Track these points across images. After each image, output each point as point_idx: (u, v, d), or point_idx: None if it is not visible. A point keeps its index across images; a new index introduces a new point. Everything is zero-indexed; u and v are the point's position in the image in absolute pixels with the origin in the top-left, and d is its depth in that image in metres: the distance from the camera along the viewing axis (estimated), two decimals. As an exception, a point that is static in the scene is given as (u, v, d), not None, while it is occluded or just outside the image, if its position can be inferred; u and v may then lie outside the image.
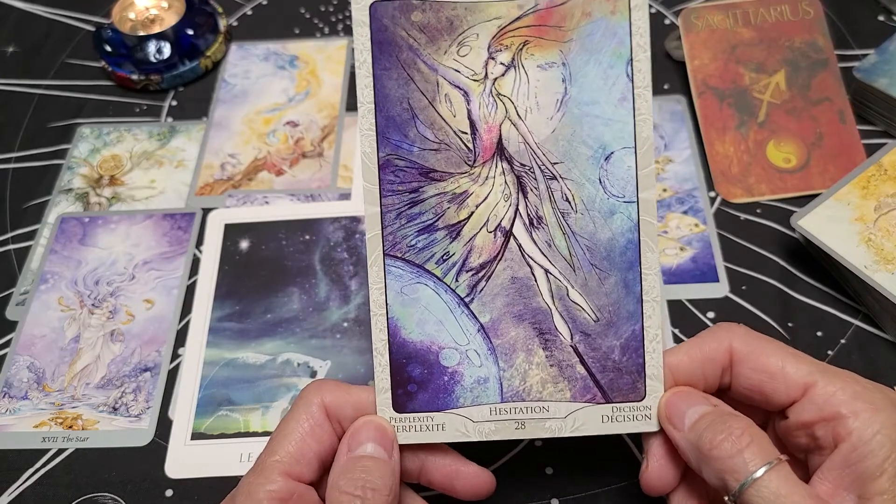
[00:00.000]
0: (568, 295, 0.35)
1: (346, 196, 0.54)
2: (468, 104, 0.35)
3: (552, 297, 0.35)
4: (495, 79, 0.35)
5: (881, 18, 0.61)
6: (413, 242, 0.35)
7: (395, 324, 0.35)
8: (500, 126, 0.35)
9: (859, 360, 0.45)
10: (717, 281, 0.49)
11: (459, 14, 0.35)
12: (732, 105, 0.54)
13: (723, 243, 0.50)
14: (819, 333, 0.46)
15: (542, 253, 0.35)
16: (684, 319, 0.47)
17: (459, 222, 0.35)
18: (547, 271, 0.35)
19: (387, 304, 0.35)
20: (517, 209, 0.35)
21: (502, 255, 0.35)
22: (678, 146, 0.55)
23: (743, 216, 0.51)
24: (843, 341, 0.46)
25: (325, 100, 0.60)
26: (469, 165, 0.35)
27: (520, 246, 0.35)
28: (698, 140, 0.54)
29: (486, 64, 0.35)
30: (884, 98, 0.52)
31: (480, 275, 0.35)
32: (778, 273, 0.49)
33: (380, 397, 0.34)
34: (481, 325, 0.35)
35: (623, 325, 0.35)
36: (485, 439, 0.34)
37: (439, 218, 0.35)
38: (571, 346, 0.35)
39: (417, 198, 0.35)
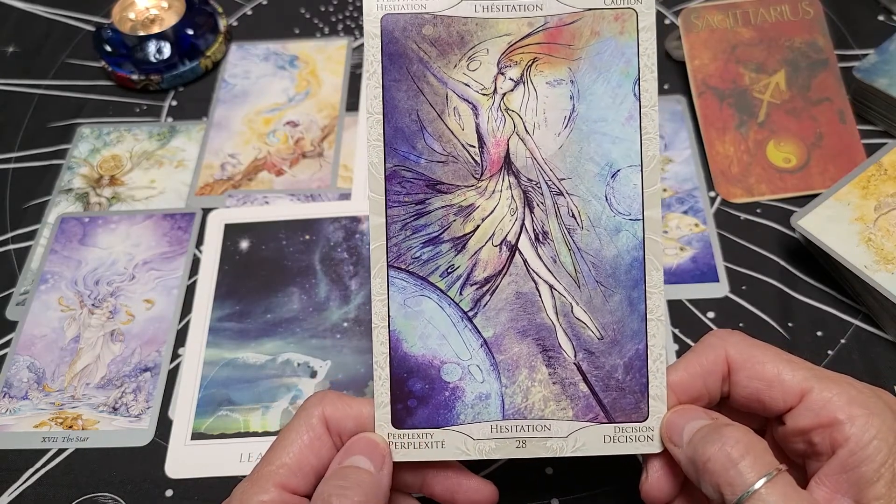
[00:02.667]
0: (572, 312, 0.34)
1: (346, 196, 0.54)
2: (477, 118, 0.35)
3: (556, 313, 0.34)
4: (504, 94, 0.35)
5: (881, 18, 0.61)
6: (417, 254, 0.34)
7: (397, 337, 0.34)
8: (508, 140, 0.35)
9: (859, 360, 0.45)
10: (717, 281, 0.49)
11: (470, 29, 0.35)
12: (732, 105, 0.54)
13: (723, 243, 0.50)
14: (819, 333, 0.46)
15: (548, 268, 0.35)
16: (684, 319, 0.47)
17: (465, 235, 0.35)
18: (552, 287, 0.35)
19: (389, 317, 0.34)
20: (523, 224, 0.35)
21: (507, 269, 0.35)
22: (678, 146, 0.55)
23: (743, 216, 0.51)
24: (843, 341, 0.46)
25: (325, 100, 0.60)
26: (476, 179, 0.35)
27: (525, 261, 0.35)
28: (698, 140, 0.54)
29: (496, 79, 0.35)
30: (884, 98, 0.52)
31: (485, 289, 0.35)
32: (778, 273, 0.49)
33: (379, 412, 0.34)
34: (484, 340, 0.34)
35: (627, 344, 0.34)
36: (485, 458, 0.34)
37: (445, 230, 0.35)
38: (575, 363, 0.34)
39: (423, 209, 0.35)
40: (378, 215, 0.34)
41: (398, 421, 0.34)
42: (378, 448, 0.33)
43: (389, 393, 0.34)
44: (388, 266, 0.34)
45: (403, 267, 0.34)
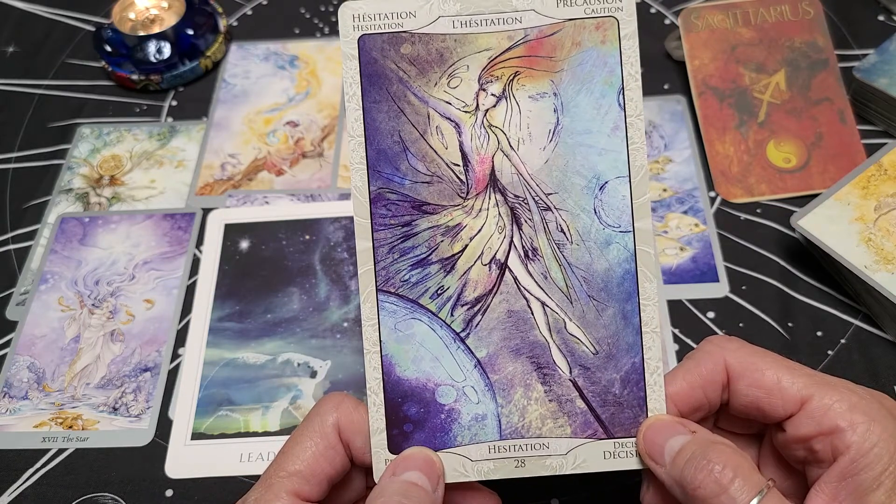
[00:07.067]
0: (566, 327, 0.34)
1: (346, 196, 0.54)
2: (460, 136, 0.34)
3: (549, 330, 0.34)
4: (487, 110, 0.34)
5: (881, 18, 0.61)
6: (406, 277, 0.34)
7: (390, 361, 0.34)
8: (493, 157, 0.34)
9: (859, 360, 0.45)
10: (717, 281, 0.49)
11: (449, 46, 0.34)
12: (732, 105, 0.54)
13: (723, 243, 0.50)
14: (819, 333, 0.46)
15: (538, 285, 0.34)
16: (684, 319, 0.47)
17: (453, 256, 0.34)
18: (543, 304, 0.34)
19: (380, 341, 0.34)
20: (511, 241, 0.34)
21: (498, 288, 0.34)
22: (678, 146, 0.55)
23: (743, 216, 0.51)
24: (843, 341, 0.46)
25: (326, 100, 0.60)
26: (462, 198, 0.34)
27: (515, 278, 0.34)
28: (698, 140, 0.54)
29: (478, 95, 0.34)
30: (884, 98, 0.52)
31: (476, 309, 0.34)
32: (778, 273, 0.49)
33: (374, 438, 0.33)
34: (478, 360, 0.34)
35: (623, 358, 0.34)
36: (484, 479, 0.34)
37: (433, 252, 0.34)
38: (570, 379, 0.34)
39: (410, 231, 0.34)
40: (364, 240, 0.34)
41: (394, 446, 0.34)
42: (435, 467, 0.33)
43: (384, 418, 0.34)
44: (378, 290, 0.34)
45: (393, 290, 0.34)
